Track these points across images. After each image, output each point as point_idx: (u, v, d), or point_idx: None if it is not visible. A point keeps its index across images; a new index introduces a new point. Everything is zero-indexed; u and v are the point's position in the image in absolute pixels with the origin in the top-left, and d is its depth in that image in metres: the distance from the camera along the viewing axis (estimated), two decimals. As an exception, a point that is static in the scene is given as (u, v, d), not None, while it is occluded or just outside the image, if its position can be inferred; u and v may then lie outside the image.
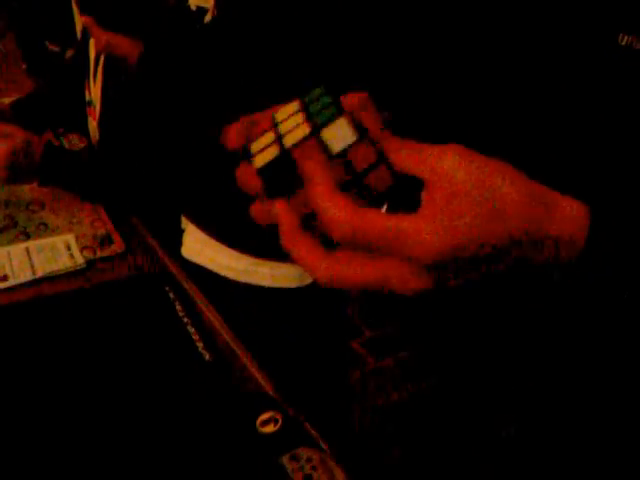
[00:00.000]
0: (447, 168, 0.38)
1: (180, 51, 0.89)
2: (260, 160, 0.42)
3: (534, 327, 0.55)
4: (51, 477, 0.68)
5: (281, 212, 0.40)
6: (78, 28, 1.57)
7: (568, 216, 0.40)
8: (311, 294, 1.02)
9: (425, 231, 0.37)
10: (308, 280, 1.03)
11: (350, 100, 0.42)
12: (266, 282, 1.04)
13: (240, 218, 1.02)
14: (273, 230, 0.42)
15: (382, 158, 0.40)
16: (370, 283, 0.39)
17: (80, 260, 0.99)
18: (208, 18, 0.51)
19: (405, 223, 0.38)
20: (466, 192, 0.38)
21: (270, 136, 0.43)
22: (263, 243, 0.97)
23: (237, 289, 1.04)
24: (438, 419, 0.65)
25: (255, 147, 0.43)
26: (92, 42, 1.34)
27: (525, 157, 0.41)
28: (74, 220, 1.10)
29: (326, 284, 0.39)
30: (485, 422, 0.62)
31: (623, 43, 0.45)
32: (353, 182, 0.40)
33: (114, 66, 1.27)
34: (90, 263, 1.00)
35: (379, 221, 0.38)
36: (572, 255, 0.40)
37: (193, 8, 0.85)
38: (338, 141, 0.40)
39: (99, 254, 1.02)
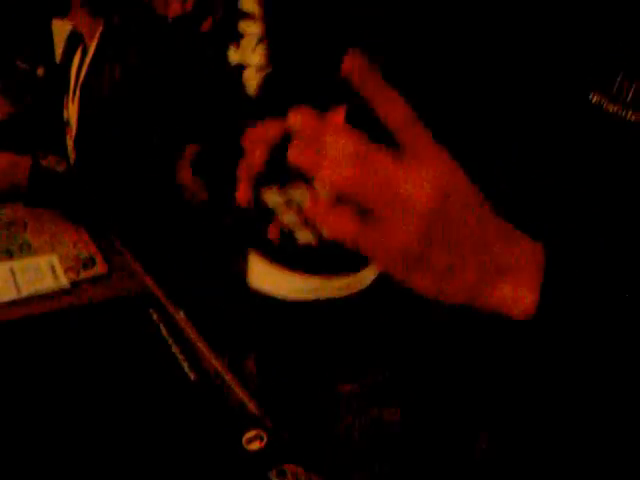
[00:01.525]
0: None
1: None
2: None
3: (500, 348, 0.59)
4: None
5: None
6: (58, 47, 1.59)
7: (524, 252, 0.43)
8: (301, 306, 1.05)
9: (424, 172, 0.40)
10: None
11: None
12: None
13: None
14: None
15: None
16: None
17: (64, 281, 1.01)
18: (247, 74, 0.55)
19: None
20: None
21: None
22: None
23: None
24: (419, 436, 0.68)
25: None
26: (75, 61, 1.36)
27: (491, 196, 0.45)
28: (56, 241, 1.11)
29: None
30: (460, 438, 0.65)
31: (594, 101, 0.48)
32: None
33: (92, 85, 1.30)
34: (73, 284, 1.02)
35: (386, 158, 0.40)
36: (526, 293, 0.43)
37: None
38: None
39: (82, 275, 1.04)
